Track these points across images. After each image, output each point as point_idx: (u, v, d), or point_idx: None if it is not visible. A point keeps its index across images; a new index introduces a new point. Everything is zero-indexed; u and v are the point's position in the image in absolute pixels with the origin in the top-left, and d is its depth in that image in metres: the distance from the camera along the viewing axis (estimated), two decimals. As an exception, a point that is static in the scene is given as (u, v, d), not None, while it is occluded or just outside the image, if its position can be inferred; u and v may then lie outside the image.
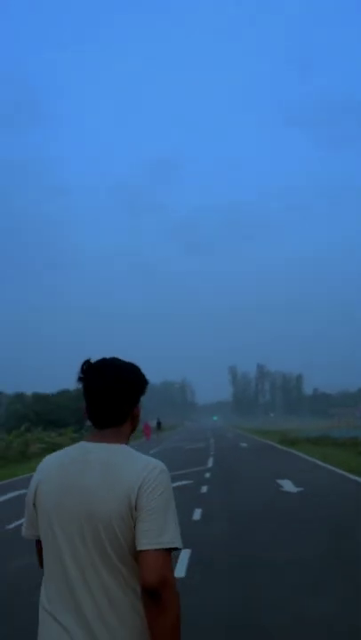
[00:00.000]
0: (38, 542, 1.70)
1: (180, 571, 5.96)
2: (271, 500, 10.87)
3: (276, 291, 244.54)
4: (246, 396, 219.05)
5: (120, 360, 1.74)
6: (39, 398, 63.60)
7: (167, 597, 1.48)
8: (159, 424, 52.20)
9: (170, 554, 1.53)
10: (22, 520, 1.76)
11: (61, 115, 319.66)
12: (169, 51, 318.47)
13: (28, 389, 64.94)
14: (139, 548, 1.52)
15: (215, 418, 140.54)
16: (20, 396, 64.72)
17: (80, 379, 1.70)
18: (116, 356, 1.76)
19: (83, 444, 1.68)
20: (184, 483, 14.20)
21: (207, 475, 15.76)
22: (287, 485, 12.62)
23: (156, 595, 1.47)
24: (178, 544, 1.55)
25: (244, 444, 31.92)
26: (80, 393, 1.70)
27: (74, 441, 37.92)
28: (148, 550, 1.50)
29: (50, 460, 1.70)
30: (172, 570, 1.53)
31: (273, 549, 6.90)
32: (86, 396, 1.69)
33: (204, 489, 12.72)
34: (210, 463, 19.54)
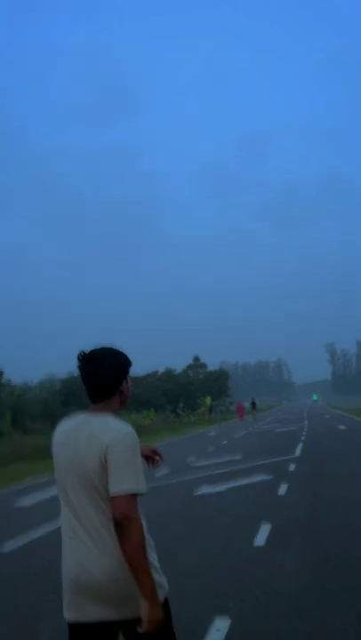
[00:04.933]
0: None
1: None
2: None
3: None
4: (347, 374, 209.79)
5: (107, 348, 2.31)
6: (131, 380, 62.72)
7: (130, 528, 2.05)
8: (254, 404, 50.25)
9: (133, 497, 2.08)
10: None
11: (152, 100, 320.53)
12: (251, 29, 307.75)
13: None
14: (110, 495, 2.10)
15: (315, 397, 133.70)
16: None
17: (78, 366, 2.28)
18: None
19: (81, 415, 2.30)
20: (260, 479, 11.29)
21: (291, 467, 12.75)
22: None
23: (121, 527, 2.06)
24: (139, 490, 2.09)
25: (342, 427, 28.24)
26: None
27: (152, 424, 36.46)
28: (114, 496, 2.09)
29: (61, 427, 2.33)
30: (134, 508, 2.08)
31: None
32: (83, 379, 2.28)
33: (283, 489, 9.76)
34: (298, 451, 16.42)
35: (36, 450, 21.37)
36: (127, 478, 2.08)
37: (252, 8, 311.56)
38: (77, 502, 2.17)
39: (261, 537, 6.51)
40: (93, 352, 2.28)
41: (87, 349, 2.27)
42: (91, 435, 2.16)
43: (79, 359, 2.26)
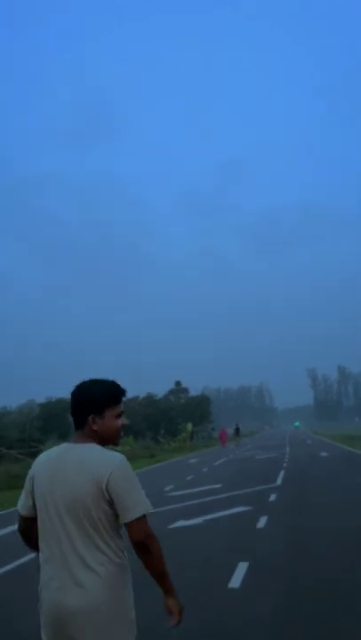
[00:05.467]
0: (23, 518, 2.40)
1: None
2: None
3: (353, 290, 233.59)
4: (328, 399, 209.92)
5: (93, 380, 2.39)
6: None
7: (152, 545, 2.22)
8: (237, 430, 49.70)
9: (145, 517, 2.22)
10: None
11: (133, 127, 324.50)
12: (232, 53, 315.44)
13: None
14: (124, 521, 2.20)
15: (297, 424, 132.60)
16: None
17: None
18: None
19: (65, 445, 2.35)
20: (239, 510, 10.75)
21: (272, 497, 12.22)
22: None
23: (144, 546, 2.21)
24: (149, 510, 2.23)
25: (324, 454, 27.78)
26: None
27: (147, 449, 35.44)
28: (131, 521, 2.19)
29: (41, 458, 2.38)
30: (149, 526, 2.22)
31: None
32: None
33: (262, 522, 9.23)
34: (279, 479, 15.89)
35: (8, 478, 20.51)
36: (138, 503, 2.19)
37: (230, 33, 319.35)
38: (69, 531, 2.20)
39: (237, 577, 5.98)
40: (85, 382, 2.39)
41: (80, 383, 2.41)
42: (80, 461, 2.22)
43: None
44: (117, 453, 2.25)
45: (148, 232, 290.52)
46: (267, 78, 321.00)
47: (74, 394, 2.35)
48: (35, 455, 30.92)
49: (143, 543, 2.19)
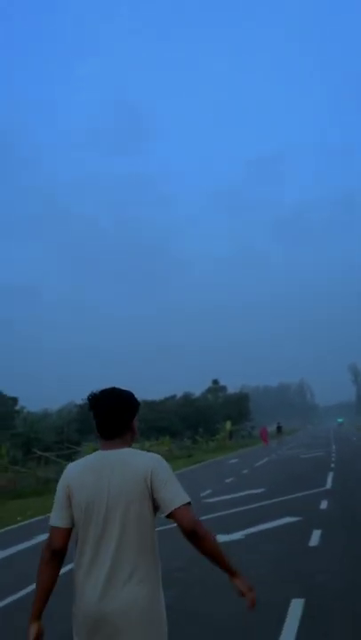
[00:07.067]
0: (61, 530, 2.35)
1: None
2: None
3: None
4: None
5: (117, 388, 2.48)
6: (147, 405, 60.97)
7: (201, 530, 2.26)
8: (279, 428, 48.10)
9: (190, 505, 2.30)
10: None
11: (163, 125, 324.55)
12: (261, 47, 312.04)
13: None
14: (169, 511, 2.27)
15: (340, 420, 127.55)
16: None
17: (90, 407, 2.44)
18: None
19: (100, 452, 2.42)
20: (287, 521, 9.26)
21: (323, 504, 10.67)
22: None
23: (194, 531, 2.24)
24: (189, 500, 2.29)
25: (373, 452, 25.90)
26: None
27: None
28: (176, 509, 2.26)
29: (78, 466, 2.42)
30: (194, 513, 2.29)
31: None
32: (96, 417, 2.43)
33: (315, 538, 7.74)
34: (328, 482, 14.29)
35: (37, 483, 19.52)
36: (180, 492, 2.30)
37: (264, 29, 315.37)
38: (107, 535, 2.26)
39: (291, 623, 4.54)
40: (106, 390, 2.46)
41: (96, 391, 2.46)
42: (123, 462, 2.32)
43: (90, 399, 2.43)
44: (155, 454, 2.42)
45: (179, 230, 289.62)
46: (297, 76, 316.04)
47: (109, 402, 2.42)
48: (70, 458, 30.33)
49: (193, 529, 2.24)
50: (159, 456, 2.39)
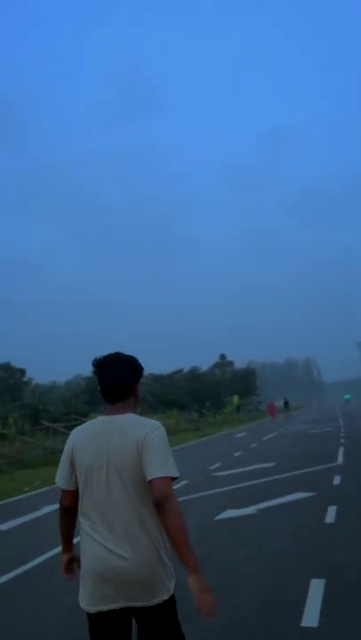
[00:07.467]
0: (68, 492, 2.47)
1: None
2: None
3: None
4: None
5: (121, 353, 2.50)
6: (155, 379, 60.85)
7: (170, 506, 2.21)
8: (286, 403, 47.88)
9: (170, 479, 2.27)
10: None
11: (175, 100, 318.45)
12: (273, 25, 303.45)
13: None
14: (148, 478, 2.27)
15: (348, 397, 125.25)
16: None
17: (94, 371, 2.47)
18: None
19: (102, 417, 2.45)
20: (300, 496, 9.00)
21: (336, 479, 10.40)
22: None
23: (162, 505, 2.22)
24: (174, 474, 2.29)
25: (383, 428, 25.63)
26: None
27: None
28: (153, 479, 2.25)
29: (82, 430, 2.47)
30: (171, 488, 2.26)
31: None
32: (100, 382, 2.45)
33: (331, 514, 7.47)
34: (340, 458, 14.04)
35: (45, 454, 19.46)
36: (163, 464, 2.27)
37: (275, 10, 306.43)
38: (113, 495, 2.31)
39: (313, 606, 4.26)
40: (110, 356, 2.47)
41: (100, 356, 2.46)
42: (122, 430, 2.34)
43: (95, 364, 2.45)
44: (155, 421, 2.41)
45: (190, 205, 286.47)
46: (310, 49, 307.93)
47: (113, 366, 2.43)
48: (77, 428, 30.45)
49: (161, 502, 2.21)
50: (158, 423, 2.38)
